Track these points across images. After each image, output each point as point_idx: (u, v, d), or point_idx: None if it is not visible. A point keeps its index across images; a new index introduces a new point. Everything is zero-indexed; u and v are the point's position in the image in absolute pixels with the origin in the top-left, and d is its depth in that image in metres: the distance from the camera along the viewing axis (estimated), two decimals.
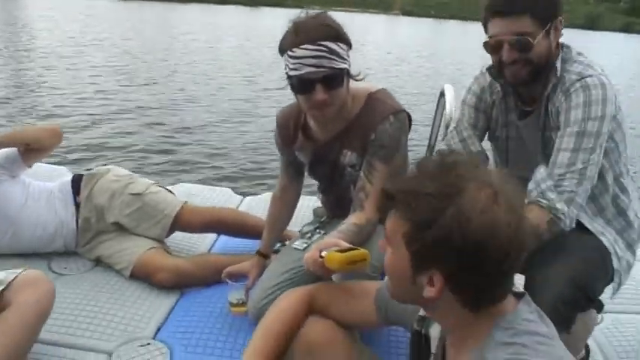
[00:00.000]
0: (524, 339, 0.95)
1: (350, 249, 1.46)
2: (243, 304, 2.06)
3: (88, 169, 2.67)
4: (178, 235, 2.65)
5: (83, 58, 12.79)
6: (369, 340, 1.83)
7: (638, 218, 1.82)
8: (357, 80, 1.83)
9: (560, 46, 1.72)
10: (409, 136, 1.93)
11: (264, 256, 2.17)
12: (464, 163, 0.99)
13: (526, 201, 1.55)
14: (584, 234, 1.72)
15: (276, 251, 2.26)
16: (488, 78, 1.87)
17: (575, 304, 1.56)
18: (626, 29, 65.30)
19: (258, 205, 3.09)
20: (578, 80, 1.64)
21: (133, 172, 2.72)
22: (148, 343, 1.96)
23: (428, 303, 1.04)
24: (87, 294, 2.21)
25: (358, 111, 1.88)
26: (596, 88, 1.61)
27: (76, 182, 2.52)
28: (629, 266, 1.79)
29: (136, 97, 9.22)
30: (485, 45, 1.71)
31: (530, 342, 0.94)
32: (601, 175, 1.68)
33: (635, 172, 1.93)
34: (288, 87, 1.78)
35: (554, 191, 1.59)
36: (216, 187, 3.58)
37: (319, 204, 2.41)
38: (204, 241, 2.75)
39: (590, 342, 2.07)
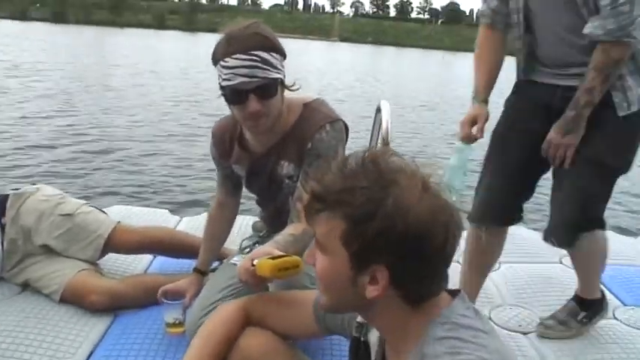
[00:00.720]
0: (460, 332, 0.96)
1: (281, 256, 1.45)
2: (180, 323, 2.00)
3: (15, 189, 2.54)
4: (112, 257, 2.55)
5: (17, 82, 12.36)
6: (309, 350, 1.81)
7: None
8: (291, 90, 1.83)
9: None
10: (348, 148, 1.93)
11: (201, 273, 2.12)
12: (382, 154, 1.00)
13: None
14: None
15: (214, 270, 2.21)
16: None
17: (577, 227, 1.97)
18: None
19: (196, 226, 3.00)
20: None
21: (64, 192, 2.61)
22: None
23: (368, 306, 1.03)
24: (13, 321, 2.08)
25: (294, 121, 1.88)
26: None
27: (2, 203, 2.39)
28: None
29: (70, 121, 8.99)
30: None
31: (467, 335, 0.96)
32: None
33: None
34: (222, 98, 1.76)
35: (614, 23, 1.70)
36: (152, 209, 3.50)
37: (258, 219, 2.39)
38: (140, 263, 2.66)
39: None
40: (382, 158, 0.99)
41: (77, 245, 2.36)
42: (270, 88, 1.72)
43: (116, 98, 11.37)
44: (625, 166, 1.96)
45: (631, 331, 2.35)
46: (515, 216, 2.18)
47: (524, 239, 3.20)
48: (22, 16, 64.34)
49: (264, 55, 1.68)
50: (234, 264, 2.00)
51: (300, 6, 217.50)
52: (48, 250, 2.35)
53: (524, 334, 2.30)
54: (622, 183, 2.21)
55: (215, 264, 2.27)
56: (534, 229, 3.38)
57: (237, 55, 1.66)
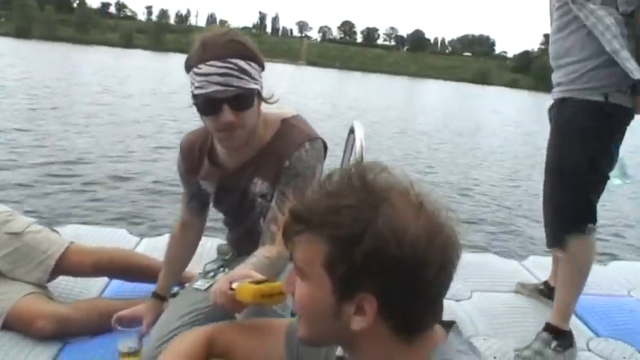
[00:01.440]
0: None
1: (264, 281, 1.32)
2: (136, 353, 1.84)
3: None
4: (64, 280, 2.38)
5: None
6: None
7: None
8: (269, 103, 1.74)
9: None
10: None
11: (160, 298, 1.98)
12: (370, 169, 0.90)
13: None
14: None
15: (175, 295, 2.07)
16: None
17: (561, 228, 2.27)
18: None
19: (157, 247, 2.84)
20: None
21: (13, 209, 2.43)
22: None
23: (353, 339, 0.92)
24: None
25: (271, 137, 1.77)
26: None
27: None
28: None
29: (29, 139, 8.72)
30: None
31: None
32: None
33: None
34: (194, 107, 1.64)
35: None
36: (109, 228, 3.32)
37: (223, 242, 2.26)
38: (94, 286, 2.49)
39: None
40: (371, 174, 0.89)
41: (25, 267, 2.19)
42: (246, 99, 1.61)
43: (80, 116, 11.09)
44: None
45: None
46: None
47: (496, 267, 3.15)
48: None
49: (241, 63, 1.58)
50: (197, 289, 1.87)
51: (269, 29, 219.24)
52: None
53: None
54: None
55: (176, 289, 2.14)
56: (505, 258, 3.35)
57: (212, 62, 1.55)
